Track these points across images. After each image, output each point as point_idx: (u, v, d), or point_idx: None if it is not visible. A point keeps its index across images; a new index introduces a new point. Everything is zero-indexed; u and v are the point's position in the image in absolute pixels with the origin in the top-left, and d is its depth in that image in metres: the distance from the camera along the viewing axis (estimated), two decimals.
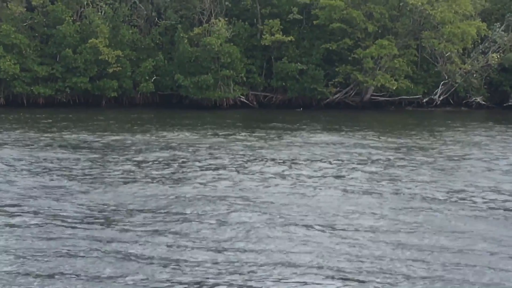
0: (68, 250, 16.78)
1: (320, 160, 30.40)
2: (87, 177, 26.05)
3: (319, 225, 19.21)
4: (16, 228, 18.68)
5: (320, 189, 24.12)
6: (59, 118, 48.48)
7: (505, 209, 21.39)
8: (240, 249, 16.94)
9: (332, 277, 15.10)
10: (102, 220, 19.64)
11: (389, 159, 30.95)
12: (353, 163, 29.67)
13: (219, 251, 16.72)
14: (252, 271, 15.37)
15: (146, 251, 16.67)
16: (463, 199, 22.85)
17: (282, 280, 14.85)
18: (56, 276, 15.02)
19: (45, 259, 16.10)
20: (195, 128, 43.28)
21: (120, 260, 16.05)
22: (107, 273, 15.25)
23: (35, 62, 56.82)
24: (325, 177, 26.48)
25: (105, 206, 21.27)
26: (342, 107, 58.56)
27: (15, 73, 55.47)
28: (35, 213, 20.38)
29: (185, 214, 20.33)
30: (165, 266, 15.67)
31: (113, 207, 21.14)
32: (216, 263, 15.87)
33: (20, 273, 15.20)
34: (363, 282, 14.84)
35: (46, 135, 38.70)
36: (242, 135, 39.68)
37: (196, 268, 15.54)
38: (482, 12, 61.28)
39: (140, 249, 16.86)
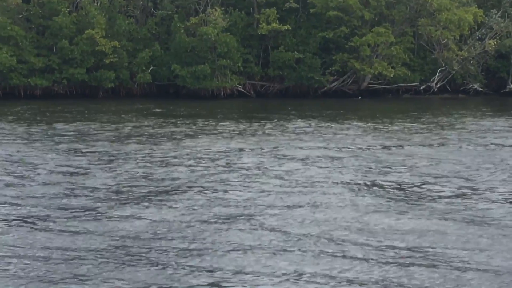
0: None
1: (319, 148, 30.48)
2: (94, 169, 26.11)
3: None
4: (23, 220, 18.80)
5: (319, 179, 24.20)
6: (57, 109, 48.54)
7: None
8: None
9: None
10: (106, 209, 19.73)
11: (386, 147, 31.02)
12: (351, 151, 29.76)
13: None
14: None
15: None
16: (466, 187, 22.93)
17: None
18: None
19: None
20: (194, 117, 43.29)
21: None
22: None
23: (32, 53, 56.69)
24: (322, 167, 26.53)
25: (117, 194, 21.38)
26: (339, 96, 58.54)
27: (12, 65, 55.28)
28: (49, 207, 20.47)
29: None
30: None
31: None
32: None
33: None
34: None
35: (45, 126, 38.77)
36: (240, 124, 39.70)
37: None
38: None
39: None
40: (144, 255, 15.84)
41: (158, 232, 17.66)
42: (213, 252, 16.07)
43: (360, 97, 58.06)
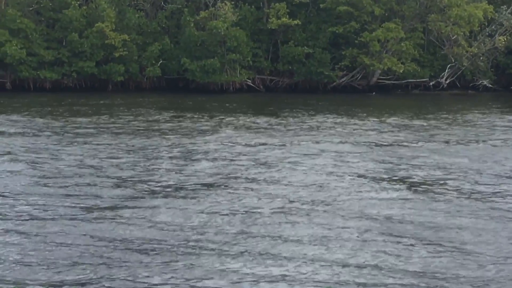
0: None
1: (336, 143, 30.53)
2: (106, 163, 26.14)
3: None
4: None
5: (324, 171, 24.32)
6: (67, 102, 48.64)
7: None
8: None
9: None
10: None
11: (402, 142, 31.09)
12: (360, 146, 29.80)
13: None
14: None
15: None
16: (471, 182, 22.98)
17: None
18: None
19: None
20: (206, 112, 43.28)
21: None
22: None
23: (42, 46, 56.70)
24: (331, 160, 26.57)
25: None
26: (348, 91, 58.51)
27: (22, 58, 55.27)
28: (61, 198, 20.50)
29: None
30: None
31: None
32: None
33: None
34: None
35: (56, 120, 38.84)
36: (252, 119, 39.69)
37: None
38: None
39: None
40: (180, 247, 15.95)
41: (190, 225, 17.73)
42: (249, 244, 16.21)
43: (374, 93, 58.01)
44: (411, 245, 16.20)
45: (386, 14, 58.77)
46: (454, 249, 15.97)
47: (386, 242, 16.37)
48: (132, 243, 16.18)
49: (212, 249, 15.78)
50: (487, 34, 59.30)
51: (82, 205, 19.56)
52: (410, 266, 14.83)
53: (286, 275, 14.26)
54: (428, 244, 16.30)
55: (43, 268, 14.63)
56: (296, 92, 58.63)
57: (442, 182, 22.84)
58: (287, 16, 57.81)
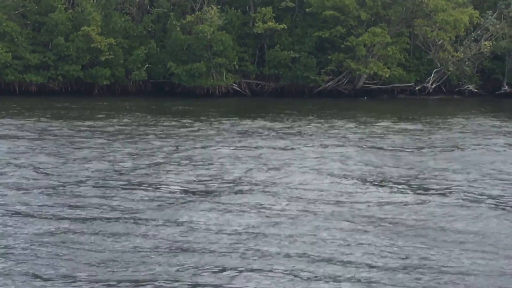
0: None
1: (319, 146, 30.59)
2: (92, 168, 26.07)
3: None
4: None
5: (308, 174, 24.48)
6: (55, 106, 48.58)
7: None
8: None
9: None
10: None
11: (385, 146, 31.18)
12: (345, 150, 29.93)
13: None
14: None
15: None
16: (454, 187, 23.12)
17: None
18: None
19: None
20: (191, 116, 43.26)
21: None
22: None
23: (27, 50, 56.51)
24: (316, 164, 26.66)
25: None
26: (334, 95, 58.54)
27: (7, 61, 55.16)
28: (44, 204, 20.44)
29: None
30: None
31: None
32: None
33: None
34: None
35: (42, 123, 38.76)
36: (244, 123, 39.74)
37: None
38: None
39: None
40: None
41: (194, 226, 17.81)
42: (253, 244, 16.39)
43: (365, 97, 58.04)
44: (427, 247, 16.54)
45: (372, 19, 58.93)
46: (457, 250, 16.17)
47: (403, 244, 16.64)
48: (142, 246, 16.24)
49: (214, 250, 15.89)
50: (472, 39, 59.51)
51: (75, 206, 19.59)
52: (424, 267, 15.11)
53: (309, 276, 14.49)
54: (433, 246, 16.51)
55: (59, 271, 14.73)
56: (282, 96, 58.66)
57: (442, 183, 23.03)
58: (273, 21, 57.88)
